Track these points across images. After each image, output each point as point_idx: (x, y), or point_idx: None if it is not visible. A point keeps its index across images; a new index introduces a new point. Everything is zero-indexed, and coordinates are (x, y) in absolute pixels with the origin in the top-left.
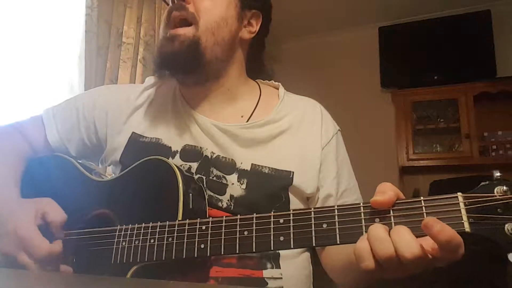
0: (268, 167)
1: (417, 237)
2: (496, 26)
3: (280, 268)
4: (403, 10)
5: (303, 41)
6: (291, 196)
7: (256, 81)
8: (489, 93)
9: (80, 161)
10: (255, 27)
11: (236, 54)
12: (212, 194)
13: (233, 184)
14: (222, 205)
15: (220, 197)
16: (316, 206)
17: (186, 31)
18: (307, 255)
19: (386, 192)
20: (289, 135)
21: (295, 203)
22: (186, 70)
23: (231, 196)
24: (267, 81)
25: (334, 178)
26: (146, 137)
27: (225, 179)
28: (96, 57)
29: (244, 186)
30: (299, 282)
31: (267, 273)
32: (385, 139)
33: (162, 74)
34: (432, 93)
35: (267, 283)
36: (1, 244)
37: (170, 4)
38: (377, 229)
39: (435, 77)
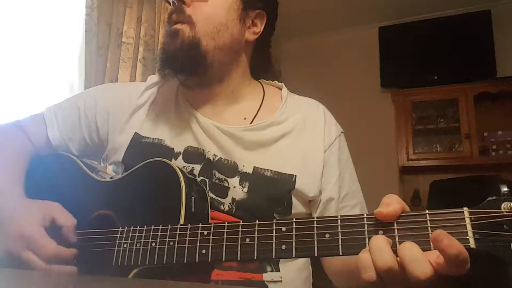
0: (271, 170)
1: None
2: (496, 26)
3: (280, 271)
4: (403, 10)
5: (303, 41)
6: (293, 199)
7: (259, 81)
8: (489, 93)
9: (83, 160)
10: (260, 27)
11: (240, 56)
12: (214, 197)
13: (235, 187)
14: (224, 208)
15: (222, 200)
16: (318, 209)
17: (183, 27)
18: None
19: (391, 204)
20: (291, 138)
21: (297, 207)
22: (187, 70)
23: (233, 199)
24: (270, 81)
25: (336, 181)
26: (148, 137)
27: (227, 182)
28: (96, 57)
29: (246, 189)
30: (299, 284)
31: (267, 276)
32: (385, 139)
33: (165, 74)
34: (432, 93)
35: (267, 287)
36: (4, 243)
37: (171, 5)
38: (378, 240)
39: (435, 77)
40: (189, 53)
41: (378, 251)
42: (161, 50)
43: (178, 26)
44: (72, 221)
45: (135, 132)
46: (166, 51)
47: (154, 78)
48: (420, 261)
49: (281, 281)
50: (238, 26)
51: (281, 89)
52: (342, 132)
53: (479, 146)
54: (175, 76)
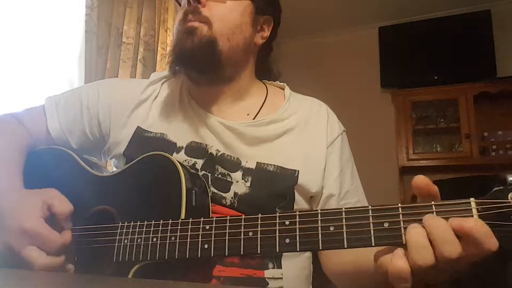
0: (273, 165)
1: None
2: (496, 26)
3: (281, 268)
4: (403, 10)
5: (303, 41)
6: (296, 194)
7: (262, 81)
8: (489, 93)
9: (81, 155)
10: (267, 32)
11: (249, 58)
12: (216, 191)
13: (237, 181)
14: (226, 202)
15: (224, 195)
16: (318, 206)
17: (201, 26)
18: (308, 254)
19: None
20: (294, 134)
21: (300, 202)
22: (202, 69)
23: (235, 193)
24: (272, 81)
25: (336, 178)
26: (151, 131)
27: (230, 176)
28: (96, 57)
29: (248, 183)
30: (299, 282)
31: (268, 273)
32: (385, 139)
33: (176, 70)
34: (432, 93)
35: (268, 283)
36: (3, 238)
37: (185, 5)
38: (418, 235)
39: (435, 77)
40: (205, 51)
41: (421, 246)
42: (176, 46)
43: (196, 24)
44: (68, 207)
45: (138, 126)
46: (182, 47)
47: (157, 74)
48: (450, 240)
49: (281, 278)
50: (250, 30)
51: (283, 89)
52: (344, 130)
53: (479, 146)
54: (187, 73)
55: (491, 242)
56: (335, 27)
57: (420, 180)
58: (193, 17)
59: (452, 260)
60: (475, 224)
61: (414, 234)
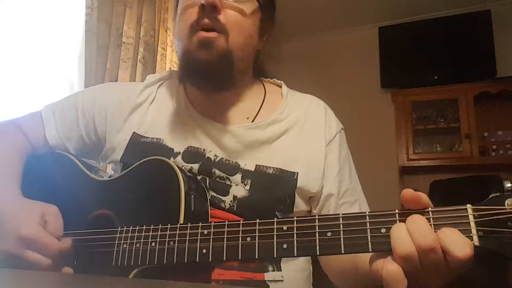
0: (273, 168)
1: None
2: (496, 26)
3: (281, 270)
4: (403, 10)
5: (303, 41)
6: (296, 197)
7: (259, 80)
8: (489, 93)
9: (81, 160)
10: (266, 36)
11: (251, 64)
12: (214, 194)
13: (236, 185)
14: (225, 206)
15: (223, 198)
16: (318, 206)
17: (218, 37)
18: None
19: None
20: (293, 134)
21: (300, 205)
22: (218, 82)
23: (234, 197)
24: (269, 79)
25: (335, 176)
26: (147, 137)
27: (229, 180)
28: (96, 57)
29: (247, 187)
30: (300, 283)
31: (268, 276)
32: (385, 139)
33: (186, 80)
34: (432, 93)
35: (269, 286)
36: (3, 243)
37: (197, 9)
38: (399, 228)
39: (435, 77)
40: (223, 64)
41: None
42: (189, 56)
43: (212, 34)
44: (59, 232)
45: (134, 132)
46: (197, 59)
47: (153, 76)
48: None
49: (282, 280)
50: (257, 38)
51: (281, 87)
52: (342, 128)
53: (479, 146)
54: (195, 83)
55: (459, 250)
56: (335, 27)
57: (408, 193)
58: (210, 23)
59: (429, 251)
60: (445, 229)
61: (395, 227)
